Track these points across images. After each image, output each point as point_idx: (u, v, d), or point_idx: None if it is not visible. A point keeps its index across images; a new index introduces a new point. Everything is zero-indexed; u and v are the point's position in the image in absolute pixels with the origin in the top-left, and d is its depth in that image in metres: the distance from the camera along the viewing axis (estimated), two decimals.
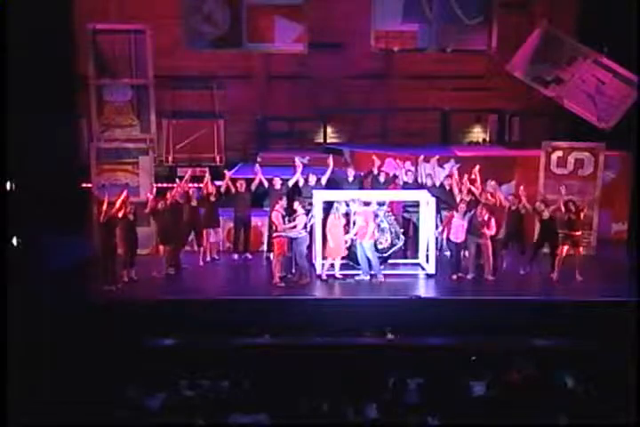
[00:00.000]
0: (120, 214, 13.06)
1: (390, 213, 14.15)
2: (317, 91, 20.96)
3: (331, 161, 14.64)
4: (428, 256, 13.88)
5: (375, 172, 14.86)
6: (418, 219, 14.32)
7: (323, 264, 13.52)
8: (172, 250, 13.80)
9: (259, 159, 18.81)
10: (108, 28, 15.08)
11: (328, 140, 21.98)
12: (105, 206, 13.00)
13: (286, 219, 13.14)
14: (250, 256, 14.85)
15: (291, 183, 14.47)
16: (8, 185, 13.51)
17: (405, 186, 14.61)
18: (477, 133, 22.72)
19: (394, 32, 15.64)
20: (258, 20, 15.37)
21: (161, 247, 13.72)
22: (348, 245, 13.61)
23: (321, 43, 18.13)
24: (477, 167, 14.56)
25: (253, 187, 14.62)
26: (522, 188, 14.15)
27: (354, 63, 20.72)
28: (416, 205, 14.25)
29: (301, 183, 14.46)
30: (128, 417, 8.55)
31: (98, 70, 14.97)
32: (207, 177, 14.73)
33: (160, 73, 15.86)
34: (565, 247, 13.38)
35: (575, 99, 15.40)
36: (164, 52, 16.63)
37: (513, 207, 13.72)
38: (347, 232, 13.45)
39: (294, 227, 13.06)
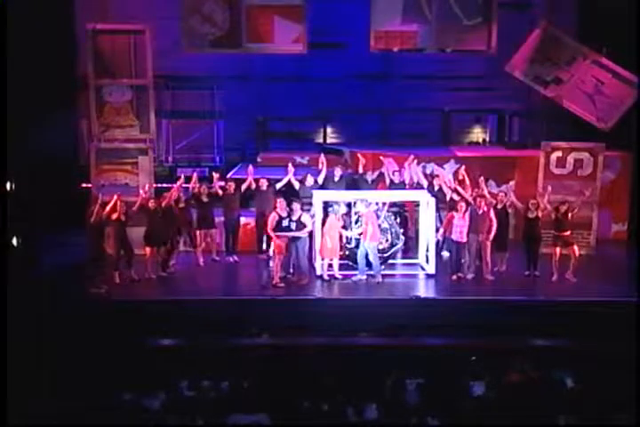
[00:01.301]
0: (114, 217, 13.07)
1: (390, 214, 14.17)
2: (317, 91, 20.96)
3: (323, 160, 14.67)
4: (427, 256, 13.89)
5: (361, 171, 14.89)
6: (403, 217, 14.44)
7: (329, 265, 13.53)
8: (157, 252, 13.67)
9: (259, 159, 18.83)
10: (108, 29, 15.07)
11: (328, 141, 21.99)
12: (97, 207, 13.02)
13: (286, 220, 13.10)
14: (236, 258, 14.80)
15: (279, 185, 14.44)
16: (8, 185, 13.52)
17: (392, 186, 14.63)
18: (477, 134, 22.71)
19: (393, 32, 15.61)
20: (257, 20, 15.36)
21: (147, 249, 13.59)
22: (352, 245, 13.63)
23: (320, 43, 18.13)
24: (463, 168, 14.61)
25: (243, 188, 14.61)
26: (510, 186, 14.16)
27: (353, 63, 20.71)
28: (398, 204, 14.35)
29: (297, 186, 14.44)
30: (128, 417, 8.55)
31: (98, 71, 14.97)
32: (195, 177, 14.66)
33: (160, 73, 15.86)
34: (557, 248, 13.38)
35: (575, 99, 15.41)
36: (164, 52, 16.62)
37: (499, 206, 13.71)
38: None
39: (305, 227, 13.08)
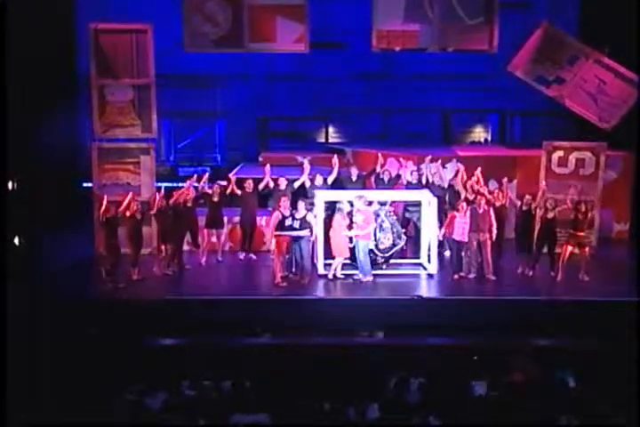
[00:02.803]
0: (128, 214, 13.10)
1: (392, 213, 14.14)
2: (319, 91, 20.99)
3: (336, 160, 14.63)
4: (429, 256, 13.88)
5: (378, 170, 14.87)
6: (418, 218, 14.35)
7: (330, 264, 13.49)
8: (172, 250, 13.78)
9: (260, 159, 18.82)
10: (110, 28, 15.06)
11: (330, 140, 22.00)
12: (103, 206, 13.06)
13: (290, 219, 13.08)
14: (254, 257, 14.83)
15: (297, 184, 14.41)
16: (10, 184, 13.53)
17: (410, 186, 14.61)
18: (479, 133, 22.73)
19: (395, 32, 15.58)
20: (259, 20, 15.33)
21: (162, 247, 13.68)
22: (352, 245, 13.62)
23: (322, 42, 18.13)
24: (479, 169, 14.56)
25: (261, 187, 14.58)
26: (542, 184, 14.16)
27: (355, 63, 20.74)
28: (417, 204, 14.26)
29: (308, 184, 14.43)
30: (129, 417, 8.56)
31: (100, 70, 14.96)
32: (205, 177, 14.66)
33: (162, 72, 15.85)
34: (569, 247, 13.36)
35: (577, 98, 15.37)
36: (166, 51, 16.63)
37: (524, 208, 13.68)
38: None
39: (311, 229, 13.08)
